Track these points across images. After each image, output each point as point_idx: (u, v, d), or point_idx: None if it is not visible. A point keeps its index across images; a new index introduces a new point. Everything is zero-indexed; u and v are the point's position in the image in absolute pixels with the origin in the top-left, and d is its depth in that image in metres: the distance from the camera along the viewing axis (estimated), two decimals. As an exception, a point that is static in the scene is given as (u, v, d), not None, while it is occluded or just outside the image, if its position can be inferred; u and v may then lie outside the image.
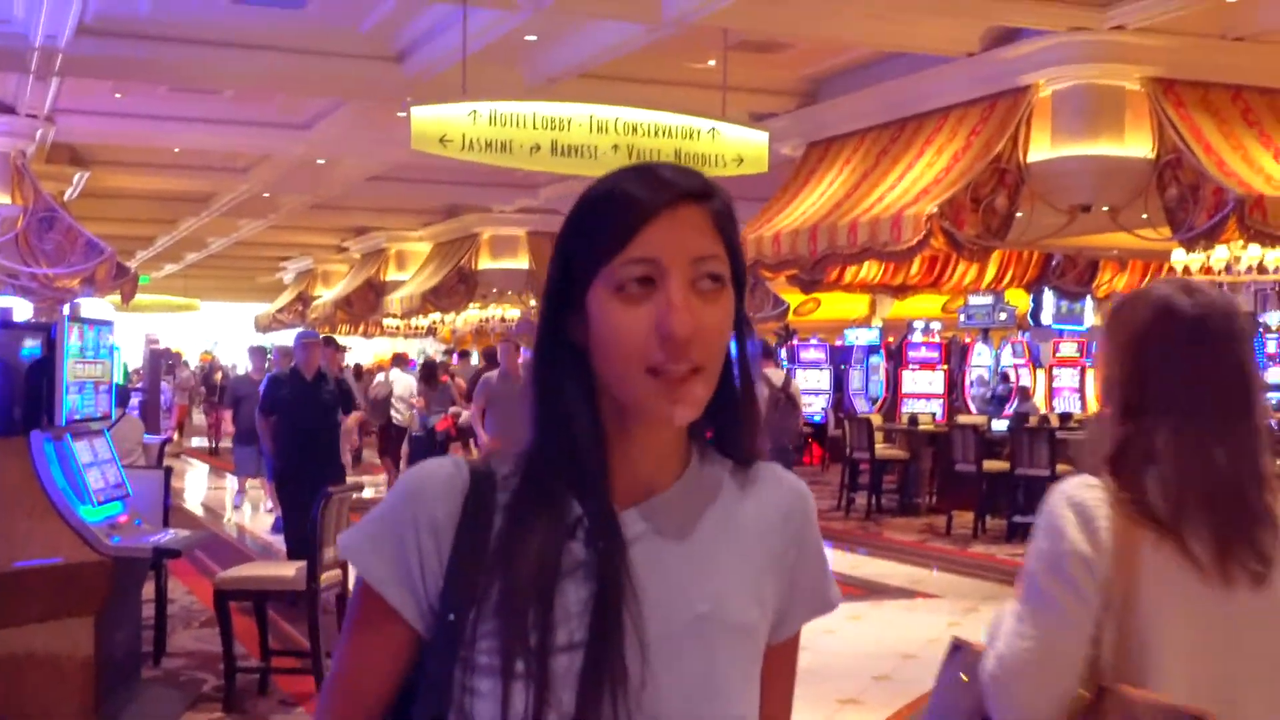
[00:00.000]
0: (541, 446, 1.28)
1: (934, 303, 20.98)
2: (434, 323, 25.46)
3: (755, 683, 1.32)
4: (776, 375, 11.27)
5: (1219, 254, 12.80)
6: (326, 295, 26.68)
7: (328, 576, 6.17)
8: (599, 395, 1.26)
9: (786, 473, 1.40)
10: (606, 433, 1.27)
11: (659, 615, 1.24)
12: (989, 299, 21.66)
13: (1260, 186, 9.77)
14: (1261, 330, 23.01)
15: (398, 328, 26.62)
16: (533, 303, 21.94)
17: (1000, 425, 13.99)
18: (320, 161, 16.32)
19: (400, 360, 16.73)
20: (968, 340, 21.11)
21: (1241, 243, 11.34)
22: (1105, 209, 10.79)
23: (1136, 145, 10.35)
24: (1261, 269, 12.80)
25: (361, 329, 27.08)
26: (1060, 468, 11.80)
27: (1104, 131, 10.33)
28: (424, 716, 1.24)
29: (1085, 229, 11.72)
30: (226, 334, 37.32)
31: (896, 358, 18.51)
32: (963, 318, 21.38)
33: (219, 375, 24.85)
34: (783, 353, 19.80)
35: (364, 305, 24.28)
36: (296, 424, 8.60)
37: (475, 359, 17.93)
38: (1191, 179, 9.99)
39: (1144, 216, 10.90)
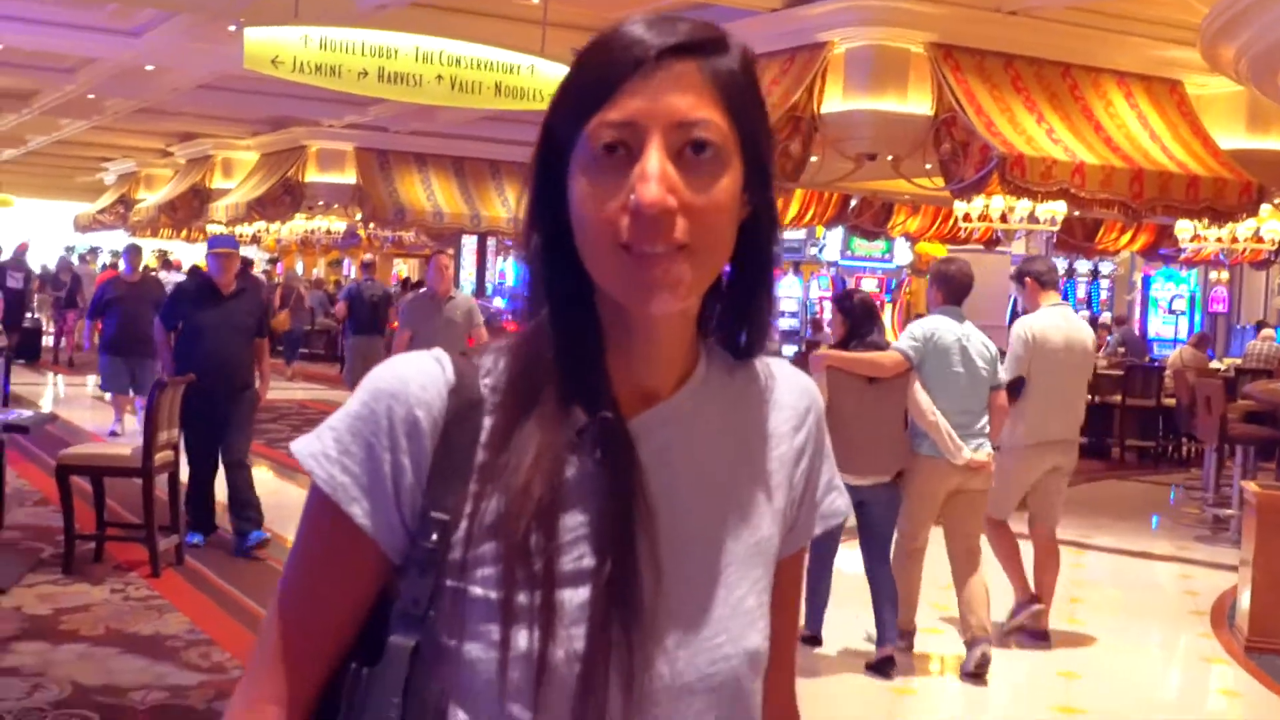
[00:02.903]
0: (533, 344, 1.13)
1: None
2: (259, 231, 25.56)
3: (768, 603, 1.18)
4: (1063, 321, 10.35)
5: (995, 203, 14.02)
6: (150, 199, 26.51)
7: (161, 456, 6.86)
8: (595, 288, 1.11)
9: (795, 370, 1.27)
10: (605, 331, 1.12)
11: (670, 537, 1.10)
12: (801, 234, 22.83)
13: (1021, 147, 10.87)
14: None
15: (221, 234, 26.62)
16: (359, 216, 22.29)
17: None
18: (149, 68, 16.37)
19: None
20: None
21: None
22: (889, 158, 11.83)
23: (917, 103, 11.36)
24: (1033, 218, 14.05)
25: (185, 234, 27.00)
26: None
27: (889, 89, 11.31)
28: (404, 652, 1.08)
29: (873, 175, 12.76)
30: (41, 232, 36.51)
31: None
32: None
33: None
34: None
35: (188, 211, 24.29)
36: (204, 347, 7.35)
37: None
38: (963, 136, 11.03)
39: (927, 167, 11.93)
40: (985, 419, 5.87)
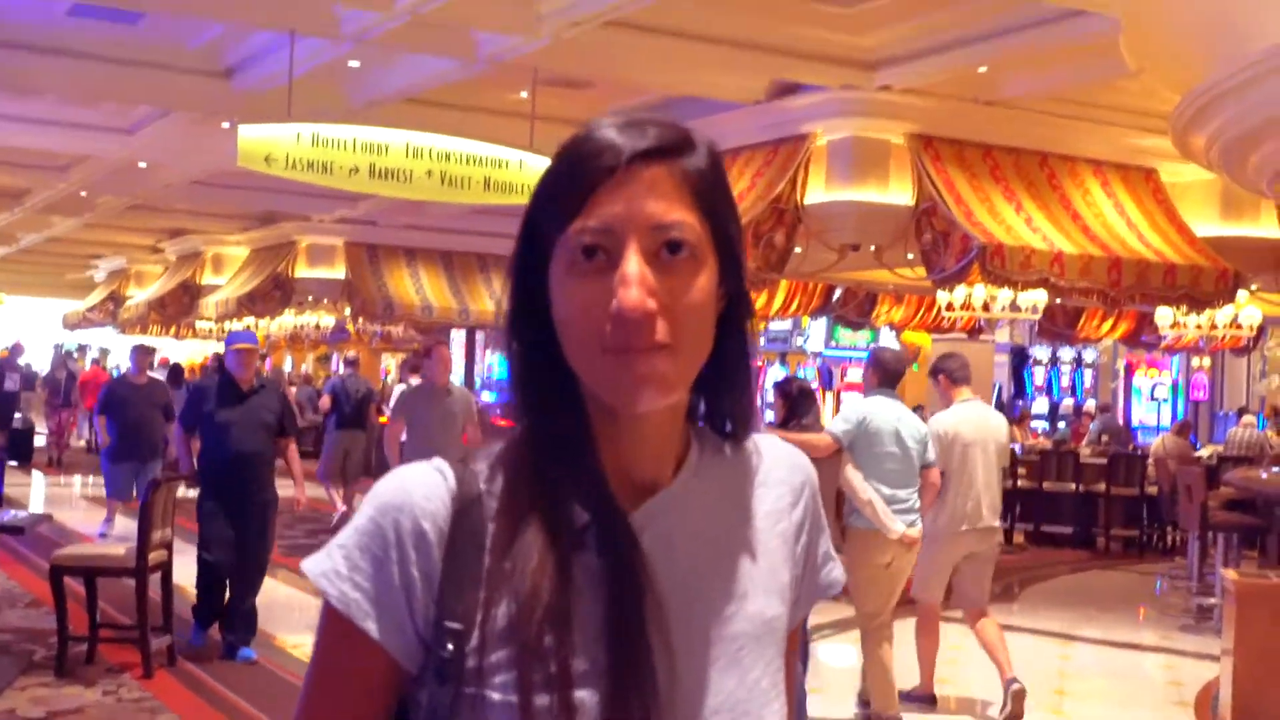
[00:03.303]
0: (526, 444, 1.15)
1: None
2: (248, 327, 25.72)
3: (783, 682, 1.20)
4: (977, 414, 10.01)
5: (977, 292, 14.23)
6: (139, 296, 26.65)
7: (154, 556, 6.90)
8: (582, 388, 1.13)
9: (786, 445, 1.29)
10: (595, 427, 1.14)
11: (682, 627, 1.12)
12: (788, 324, 23.07)
13: (1001, 236, 11.08)
14: (1031, 362, 24.89)
15: (210, 330, 26.74)
16: (348, 311, 22.44)
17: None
18: (142, 165, 16.59)
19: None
20: (762, 363, 22.43)
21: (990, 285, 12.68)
22: (872, 248, 12.03)
23: (898, 193, 11.59)
24: (1014, 307, 14.25)
25: (174, 330, 27.11)
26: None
27: (871, 179, 11.54)
28: None
29: (856, 266, 12.95)
30: (30, 330, 36.61)
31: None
32: (763, 341, 22.72)
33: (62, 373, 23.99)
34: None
35: (178, 307, 24.41)
36: (227, 446, 7.21)
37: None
38: (943, 226, 11.25)
39: (909, 257, 12.14)
40: (917, 497, 6.20)
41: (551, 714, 1.05)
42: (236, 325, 23.54)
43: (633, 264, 1.07)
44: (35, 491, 16.48)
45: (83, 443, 22.62)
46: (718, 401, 1.21)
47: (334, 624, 1.12)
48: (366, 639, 1.10)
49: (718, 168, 1.17)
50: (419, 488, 1.13)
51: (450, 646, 1.08)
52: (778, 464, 1.26)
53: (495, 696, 1.07)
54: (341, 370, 22.46)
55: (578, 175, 1.11)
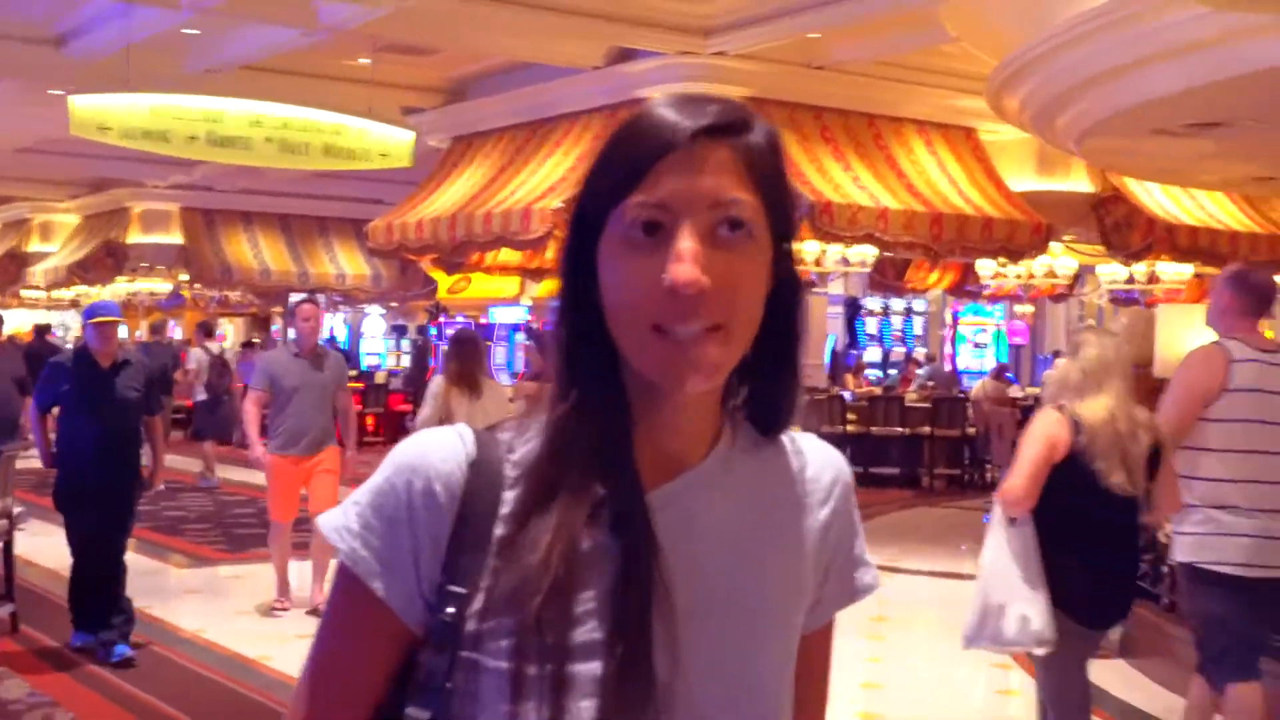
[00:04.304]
0: (560, 418, 1.13)
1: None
2: (79, 295, 25.12)
3: (791, 676, 1.19)
4: None
5: (810, 247, 14.78)
6: (-37, 265, 25.84)
7: (-2, 526, 6.91)
8: (623, 364, 1.12)
9: (825, 445, 1.28)
10: (632, 405, 1.13)
11: (689, 607, 1.11)
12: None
13: (830, 195, 11.57)
14: (864, 313, 25.71)
15: (39, 299, 26.06)
16: (183, 277, 22.12)
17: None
18: (-35, 132, 16.23)
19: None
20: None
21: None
22: (709, 208, 12.41)
23: (734, 155, 11.96)
24: (845, 261, 14.82)
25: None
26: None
27: (707, 142, 11.89)
28: None
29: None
30: None
31: (536, 335, 19.90)
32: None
33: None
34: (432, 330, 20.91)
35: (4, 276, 23.79)
36: (88, 429, 6.54)
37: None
38: (776, 186, 11.66)
39: (744, 215, 12.55)
40: None
41: (542, 685, 1.06)
42: (67, 293, 23.05)
43: (688, 239, 1.06)
44: None
45: None
46: (759, 389, 1.18)
47: (344, 580, 1.14)
48: (373, 597, 1.12)
49: (776, 148, 1.16)
50: (436, 450, 1.14)
51: (451, 610, 1.09)
52: (812, 460, 1.24)
53: (489, 663, 1.08)
54: (144, 336, 21.87)
55: (637, 151, 1.09)
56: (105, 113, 10.58)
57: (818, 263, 13.61)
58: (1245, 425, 4.39)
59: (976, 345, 24.29)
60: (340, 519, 1.14)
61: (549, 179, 12.33)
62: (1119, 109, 8.14)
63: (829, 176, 11.86)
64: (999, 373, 17.13)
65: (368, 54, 11.68)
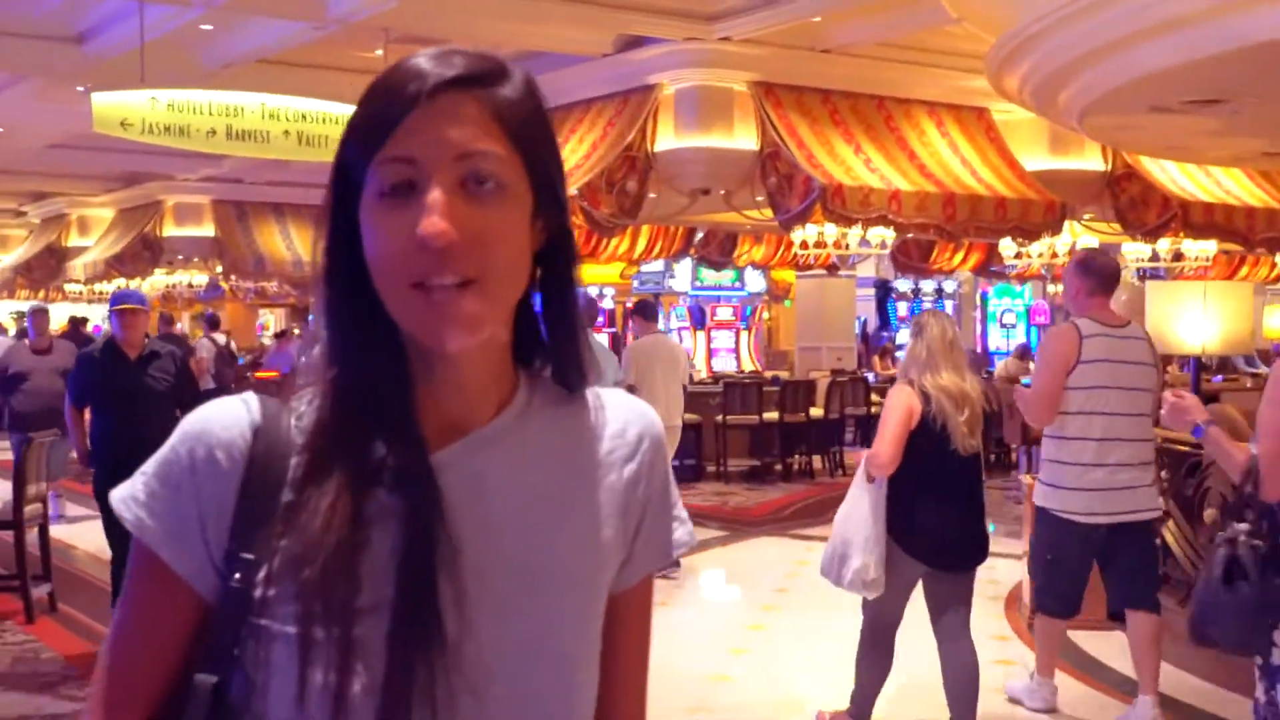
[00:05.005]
0: (336, 382, 1.13)
1: (615, 270, 22.58)
2: (118, 288, 25.54)
3: (594, 637, 1.19)
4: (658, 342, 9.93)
5: (828, 230, 14.85)
6: (4, 261, 26.30)
7: (30, 509, 7.21)
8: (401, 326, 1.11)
9: (635, 400, 1.27)
10: (411, 365, 1.13)
11: (479, 567, 1.10)
12: (660, 265, 23.53)
13: (840, 177, 11.64)
14: (894, 295, 25.69)
15: (80, 293, 26.50)
16: (219, 268, 22.46)
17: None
18: (-1, 130, 16.57)
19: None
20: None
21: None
22: (721, 192, 12.54)
23: (744, 139, 12.10)
24: (864, 243, 14.90)
25: (42, 294, 26.79)
26: (687, 417, 13.53)
27: (716, 126, 12.03)
28: (205, 690, 1.10)
29: (709, 209, 13.47)
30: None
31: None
32: (635, 284, 23.18)
33: None
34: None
35: (45, 271, 24.17)
36: (119, 423, 6.44)
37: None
38: (786, 169, 11.78)
39: (758, 199, 12.66)
40: None
41: (330, 648, 1.05)
42: (107, 286, 23.41)
43: (435, 192, 1.05)
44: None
45: None
46: (549, 347, 1.19)
47: (137, 549, 1.13)
48: (162, 564, 1.11)
49: (534, 99, 1.14)
50: (219, 417, 1.13)
51: (239, 576, 1.09)
52: (615, 418, 1.23)
53: (277, 628, 1.07)
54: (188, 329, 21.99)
55: (384, 105, 1.08)
56: (125, 109, 10.79)
57: (837, 245, 13.68)
58: (1099, 390, 5.14)
59: (1004, 326, 24.24)
60: (128, 489, 1.14)
61: (564, 166, 12.41)
62: (1115, 85, 8.17)
63: (839, 159, 11.93)
64: (1023, 352, 17.13)
65: (381, 45, 11.83)
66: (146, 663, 1.14)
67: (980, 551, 4.93)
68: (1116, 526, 5.25)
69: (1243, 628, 3.38)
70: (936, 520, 4.72)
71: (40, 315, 10.72)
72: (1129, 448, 5.23)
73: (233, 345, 16.94)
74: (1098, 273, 5.35)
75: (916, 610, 5.02)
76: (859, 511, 4.72)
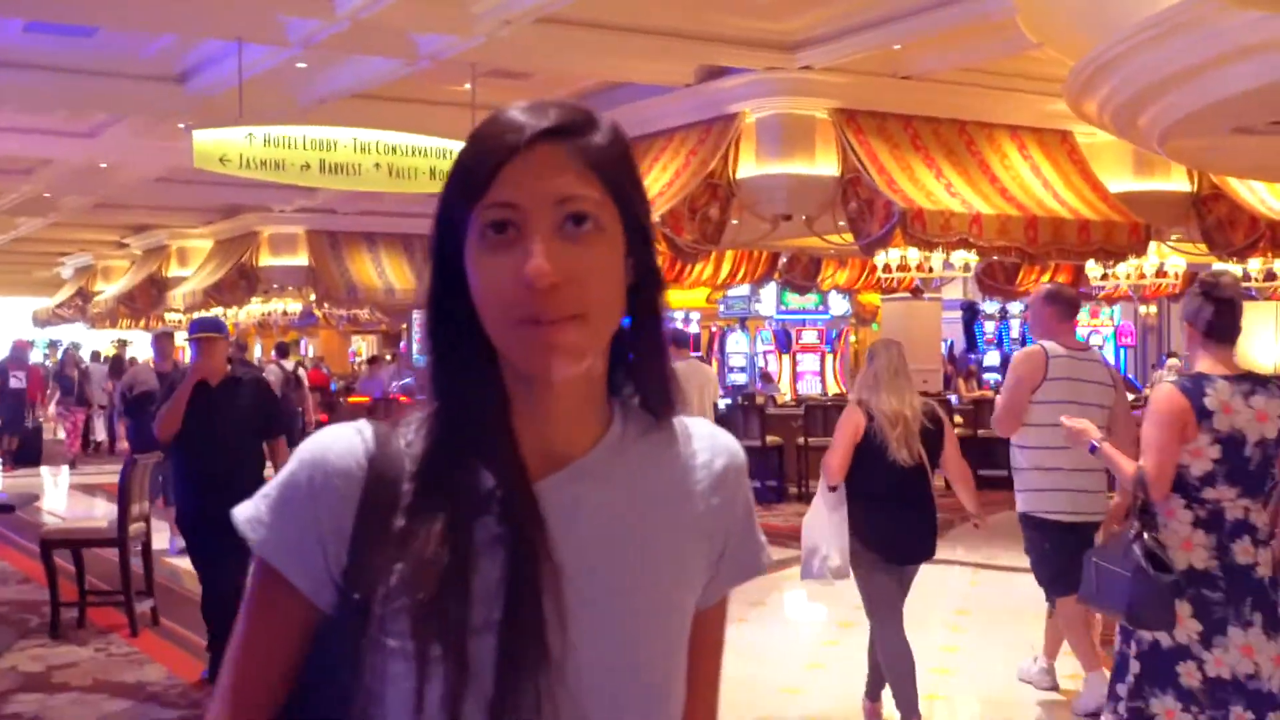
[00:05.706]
0: (443, 414, 1.21)
1: (700, 295, 22.73)
2: (217, 317, 26.15)
3: (682, 655, 1.26)
4: (692, 367, 11.04)
5: (911, 254, 14.91)
6: (108, 291, 27.04)
7: (134, 528, 7.55)
8: (501, 359, 1.19)
9: (719, 429, 1.34)
10: (512, 398, 1.20)
11: (578, 589, 1.17)
12: (746, 290, 23.64)
13: (921, 202, 11.73)
14: (981, 316, 25.58)
15: (180, 322, 27.16)
16: (313, 296, 22.98)
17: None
18: (103, 165, 17.09)
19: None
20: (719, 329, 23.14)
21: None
22: (803, 218, 12.68)
23: (825, 165, 12.23)
24: (948, 266, 14.95)
25: (143, 323, 27.54)
26: (770, 439, 13.68)
27: (798, 153, 12.18)
28: (327, 700, 1.18)
29: (791, 234, 13.60)
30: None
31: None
32: (722, 308, 23.32)
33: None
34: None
35: (146, 300, 24.83)
36: (201, 455, 6.20)
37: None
38: (867, 194, 11.90)
39: (840, 224, 12.79)
40: None
41: (444, 664, 1.12)
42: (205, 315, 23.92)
43: (536, 236, 1.13)
44: (36, 483, 16.93)
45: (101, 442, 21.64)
46: (638, 378, 1.26)
47: (260, 567, 1.21)
48: (285, 581, 1.19)
49: (621, 144, 1.21)
50: (335, 444, 1.21)
51: (358, 595, 1.16)
52: (702, 449, 1.30)
53: (394, 643, 1.14)
54: (311, 354, 22.09)
55: (484, 155, 1.16)
56: (224, 145, 11.19)
57: (920, 268, 13.74)
58: (1061, 404, 5.57)
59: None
60: (251, 510, 1.22)
61: (648, 194, 12.62)
62: (1197, 109, 8.20)
63: (920, 184, 12.01)
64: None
65: (468, 79, 12.14)
66: (272, 671, 1.22)
67: (924, 549, 5.45)
68: (1084, 525, 5.76)
69: (1167, 607, 3.97)
70: (885, 519, 5.36)
71: (165, 339, 10.94)
72: (1084, 456, 5.55)
73: (300, 372, 17.37)
74: (1063, 302, 6.04)
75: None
76: (819, 515, 5.42)
